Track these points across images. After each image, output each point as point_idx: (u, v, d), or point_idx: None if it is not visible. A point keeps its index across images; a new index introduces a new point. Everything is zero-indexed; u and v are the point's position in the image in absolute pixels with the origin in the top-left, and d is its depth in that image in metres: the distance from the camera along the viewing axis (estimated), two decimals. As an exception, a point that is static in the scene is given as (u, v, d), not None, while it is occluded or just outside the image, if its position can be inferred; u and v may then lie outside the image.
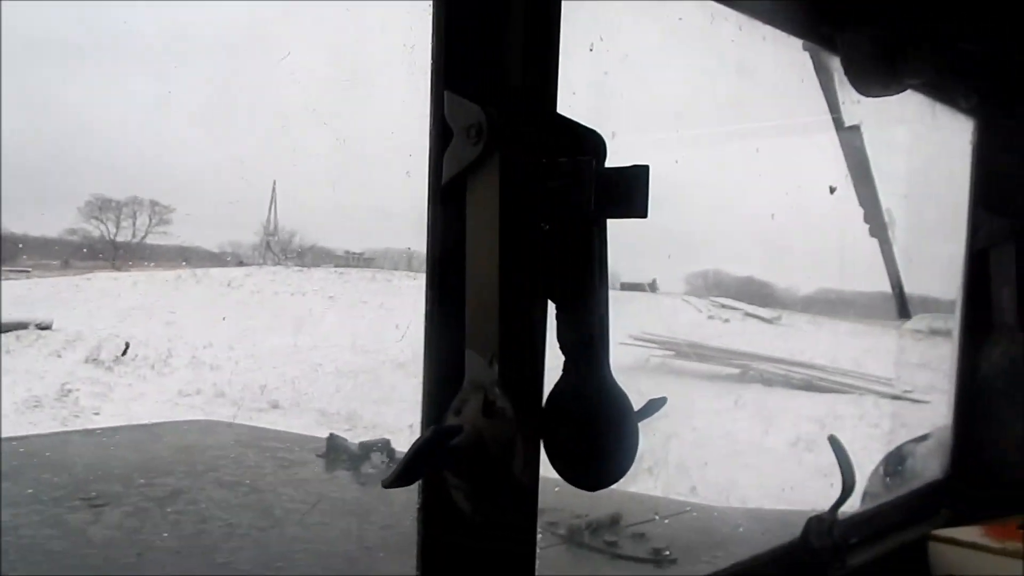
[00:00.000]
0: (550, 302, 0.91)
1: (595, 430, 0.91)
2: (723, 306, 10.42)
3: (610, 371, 0.92)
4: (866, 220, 1.65)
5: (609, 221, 0.90)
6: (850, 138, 1.55)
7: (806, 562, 1.46)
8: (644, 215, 0.88)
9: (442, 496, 0.86)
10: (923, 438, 2.10)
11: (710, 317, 10.24)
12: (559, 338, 0.91)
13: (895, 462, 2.12)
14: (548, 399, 0.91)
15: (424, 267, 0.89)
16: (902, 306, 1.79)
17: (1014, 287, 1.85)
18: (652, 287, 9.41)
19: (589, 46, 1.07)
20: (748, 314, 10.53)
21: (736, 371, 9.20)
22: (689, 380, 8.62)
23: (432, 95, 0.86)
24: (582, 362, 0.90)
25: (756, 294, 10.71)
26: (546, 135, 0.86)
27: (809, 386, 8.96)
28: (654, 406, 0.98)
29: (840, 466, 1.52)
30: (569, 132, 0.88)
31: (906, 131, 1.83)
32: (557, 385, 0.91)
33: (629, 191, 0.87)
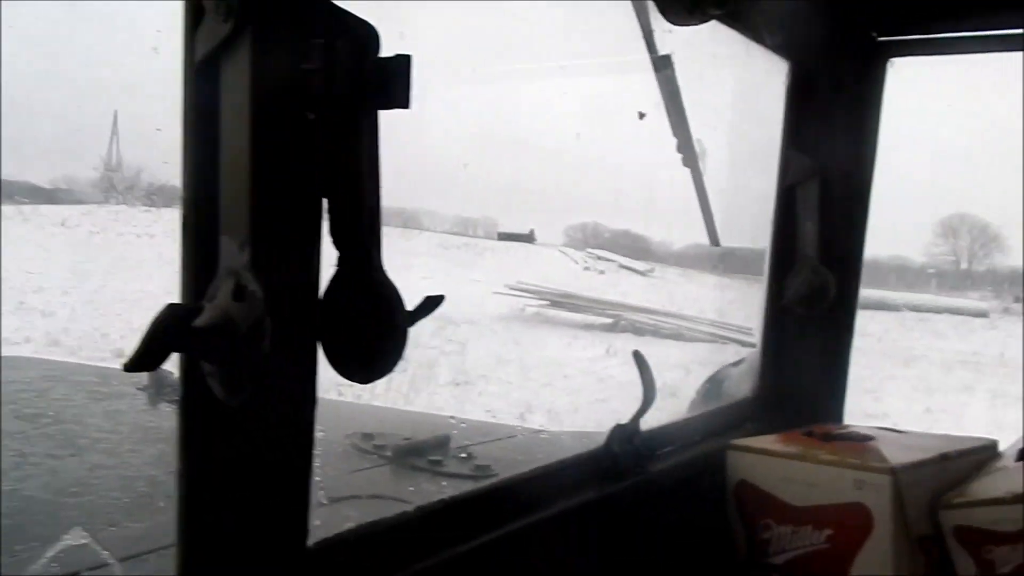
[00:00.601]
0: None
1: (364, 324, 0.93)
2: (599, 258, 10.73)
3: (381, 266, 0.94)
4: (679, 150, 1.73)
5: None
6: (662, 67, 1.61)
7: (608, 467, 1.55)
8: (406, 106, 0.89)
9: (202, 389, 0.86)
10: (738, 363, 2.26)
11: (586, 268, 10.52)
12: (331, 232, 0.91)
13: (714, 384, 2.28)
14: (324, 294, 0.92)
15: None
16: (712, 235, 1.91)
17: (816, 222, 2.01)
18: (530, 238, 9.58)
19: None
20: (623, 266, 10.90)
21: (609, 321, 9.53)
22: (563, 329, 8.87)
23: None
24: (353, 256, 0.92)
25: (632, 247, 11.08)
26: (308, 19, 0.85)
27: (677, 336, 9.41)
28: (430, 304, 1.00)
29: (642, 379, 1.61)
30: (336, 19, 0.87)
31: (726, 67, 1.93)
32: (330, 279, 0.92)
33: (391, 81, 0.88)
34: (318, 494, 1.09)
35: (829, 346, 2.09)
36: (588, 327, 9.16)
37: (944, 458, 1.61)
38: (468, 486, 1.73)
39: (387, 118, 0.91)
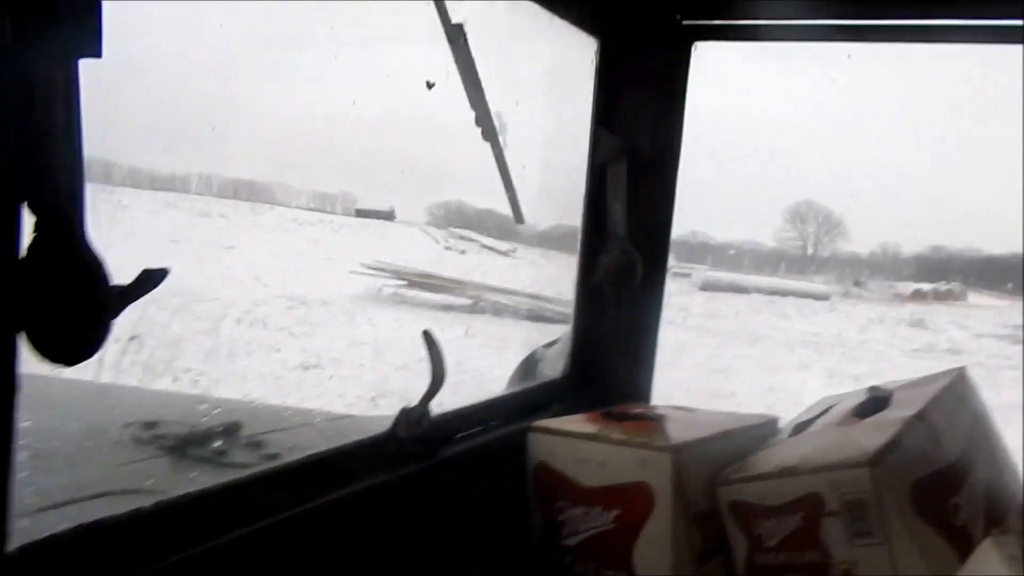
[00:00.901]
0: None
1: (60, 299, 0.83)
2: (461, 237, 10.69)
3: (85, 234, 0.84)
4: (477, 123, 1.68)
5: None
6: (455, 37, 1.55)
7: (393, 451, 1.49)
8: (98, 55, 0.79)
9: None
10: (553, 343, 2.25)
11: (447, 248, 10.46)
12: (26, 195, 0.81)
13: (529, 365, 2.26)
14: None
15: None
16: (516, 211, 1.88)
17: (625, 201, 2.02)
18: (390, 215, 9.39)
19: None
20: (484, 246, 10.91)
21: (468, 302, 9.52)
22: (421, 310, 8.77)
23: None
24: (50, 223, 0.82)
25: (497, 227, 11.11)
26: None
27: (537, 317, 9.51)
28: (153, 278, 0.90)
29: (431, 360, 1.56)
30: None
31: (528, 40, 1.89)
32: (26, 249, 0.81)
33: (76, 27, 0.77)
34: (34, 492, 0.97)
35: (638, 325, 2.11)
36: (447, 308, 9.10)
37: (726, 435, 1.65)
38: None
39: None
